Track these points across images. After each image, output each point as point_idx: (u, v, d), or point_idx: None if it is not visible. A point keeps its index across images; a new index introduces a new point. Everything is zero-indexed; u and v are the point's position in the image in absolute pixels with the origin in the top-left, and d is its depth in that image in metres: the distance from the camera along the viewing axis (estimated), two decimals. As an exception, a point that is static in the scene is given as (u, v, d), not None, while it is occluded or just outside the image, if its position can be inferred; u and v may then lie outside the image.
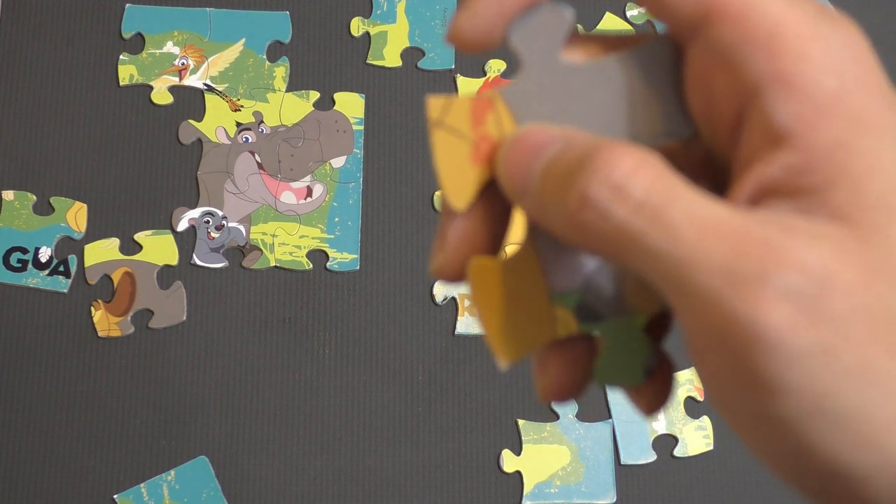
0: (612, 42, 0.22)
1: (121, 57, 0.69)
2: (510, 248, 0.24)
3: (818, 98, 0.18)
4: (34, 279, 0.64)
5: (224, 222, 0.66)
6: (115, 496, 0.61)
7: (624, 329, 0.22)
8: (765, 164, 0.19)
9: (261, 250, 0.65)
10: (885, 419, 0.17)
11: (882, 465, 0.18)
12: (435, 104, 0.23)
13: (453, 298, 0.65)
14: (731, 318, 0.17)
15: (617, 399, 0.64)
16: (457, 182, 0.22)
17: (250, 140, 0.67)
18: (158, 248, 0.65)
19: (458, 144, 0.22)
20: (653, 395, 0.23)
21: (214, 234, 0.65)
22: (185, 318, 0.64)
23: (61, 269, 0.64)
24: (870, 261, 0.17)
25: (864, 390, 0.17)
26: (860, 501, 0.18)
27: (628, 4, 0.72)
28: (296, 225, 0.66)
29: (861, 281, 0.17)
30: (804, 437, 0.18)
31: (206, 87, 0.68)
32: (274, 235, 0.66)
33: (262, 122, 0.68)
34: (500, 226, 0.24)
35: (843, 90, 0.18)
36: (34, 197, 0.66)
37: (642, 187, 0.18)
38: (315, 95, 0.68)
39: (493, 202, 0.23)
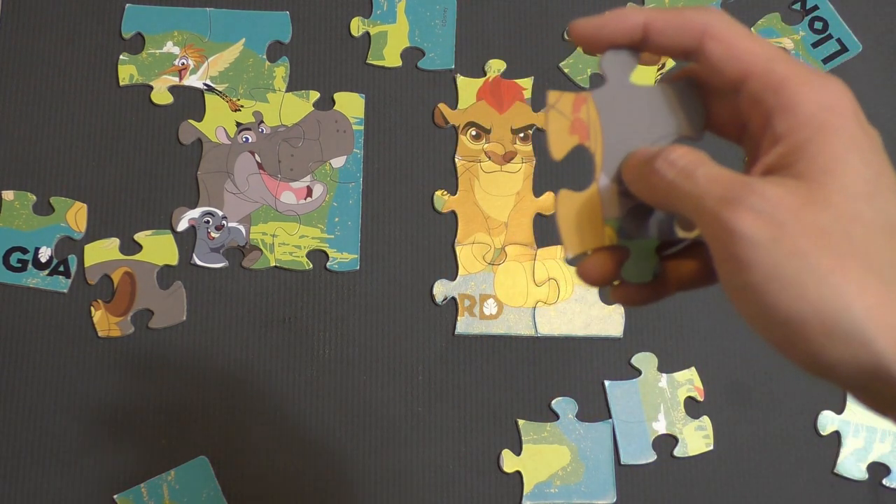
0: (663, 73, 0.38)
1: (121, 57, 0.69)
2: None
3: (802, 117, 0.31)
4: (34, 279, 0.64)
5: (224, 222, 0.66)
6: (115, 496, 0.61)
7: (643, 246, 0.37)
8: (767, 155, 0.32)
9: (261, 250, 0.65)
10: (811, 280, 0.29)
11: (813, 311, 0.29)
12: (552, 95, 0.36)
13: (453, 298, 0.65)
14: (722, 224, 0.30)
15: (617, 399, 0.64)
16: (558, 145, 0.36)
17: (250, 140, 0.67)
18: (158, 248, 0.65)
19: (562, 121, 0.36)
20: (652, 291, 0.37)
21: (214, 234, 0.65)
22: (185, 318, 0.64)
23: (61, 269, 0.64)
24: (808, 196, 0.30)
25: (797, 264, 0.29)
26: (805, 341, 0.30)
27: (628, 5, 0.72)
28: (296, 225, 0.66)
29: (800, 204, 0.30)
30: (766, 297, 0.30)
31: (206, 87, 0.68)
32: (274, 235, 0.66)
33: (262, 122, 0.68)
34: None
35: (820, 112, 0.31)
36: (34, 197, 0.66)
37: (682, 162, 0.32)
38: (315, 95, 0.68)
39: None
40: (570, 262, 0.42)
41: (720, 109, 0.36)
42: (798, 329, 0.30)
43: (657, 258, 0.37)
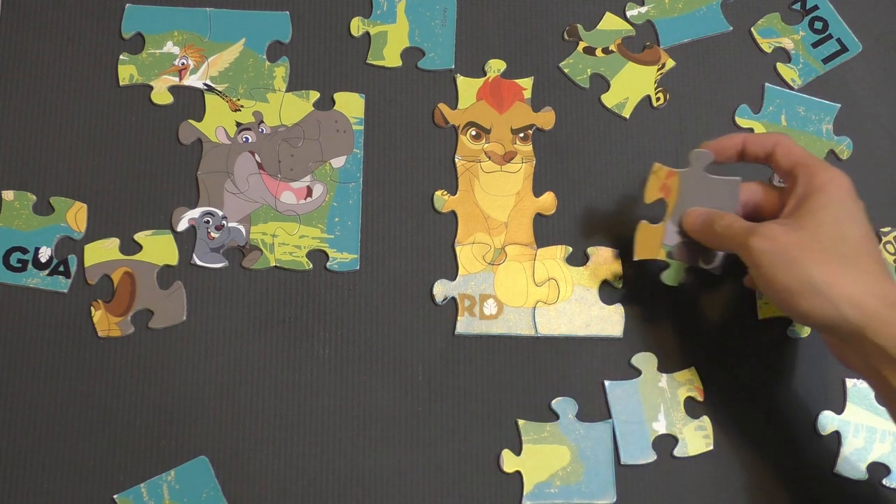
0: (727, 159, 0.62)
1: (121, 57, 0.69)
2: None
3: (813, 185, 0.56)
4: (34, 279, 0.64)
5: (224, 222, 0.66)
6: (115, 496, 0.61)
7: (678, 265, 0.65)
8: (787, 206, 0.57)
9: (261, 250, 0.65)
10: (793, 266, 0.52)
11: (796, 282, 0.52)
12: (656, 165, 0.60)
13: (453, 298, 0.65)
14: (746, 246, 0.55)
15: (617, 399, 0.64)
16: (650, 194, 0.61)
17: (250, 140, 0.67)
18: (158, 248, 0.65)
19: (656, 182, 0.61)
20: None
21: (214, 234, 0.65)
22: (185, 318, 0.64)
23: (61, 269, 0.64)
24: (795, 225, 0.54)
25: (786, 258, 0.53)
26: (792, 300, 0.53)
27: (628, 4, 0.72)
28: (296, 225, 0.66)
29: (789, 230, 0.54)
30: (771, 278, 0.54)
31: (206, 87, 0.68)
32: (274, 235, 0.66)
33: (262, 122, 0.68)
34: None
35: (824, 183, 0.55)
36: (34, 197, 0.66)
37: (724, 224, 0.58)
38: (315, 95, 0.69)
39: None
40: (634, 261, 0.62)
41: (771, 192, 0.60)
42: (788, 293, 0.53)
43: (684, 274, 0.66)
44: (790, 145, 0.58)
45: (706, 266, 0.62)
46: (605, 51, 0.71)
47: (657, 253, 0.62)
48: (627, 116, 0.69)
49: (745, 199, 0.60)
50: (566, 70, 0.70)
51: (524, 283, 0.66)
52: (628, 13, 0.72)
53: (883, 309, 0.51)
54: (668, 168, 0.60)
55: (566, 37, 0.71)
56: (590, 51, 0.71)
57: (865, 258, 0.53)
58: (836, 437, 0.64)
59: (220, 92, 0.68)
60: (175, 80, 0.68)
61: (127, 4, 0.70)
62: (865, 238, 0.54)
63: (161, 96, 0.68)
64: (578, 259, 0.67)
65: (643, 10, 0.72)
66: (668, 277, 0.65)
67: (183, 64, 0.69)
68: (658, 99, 0.70)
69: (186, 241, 0.65)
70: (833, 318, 0.52)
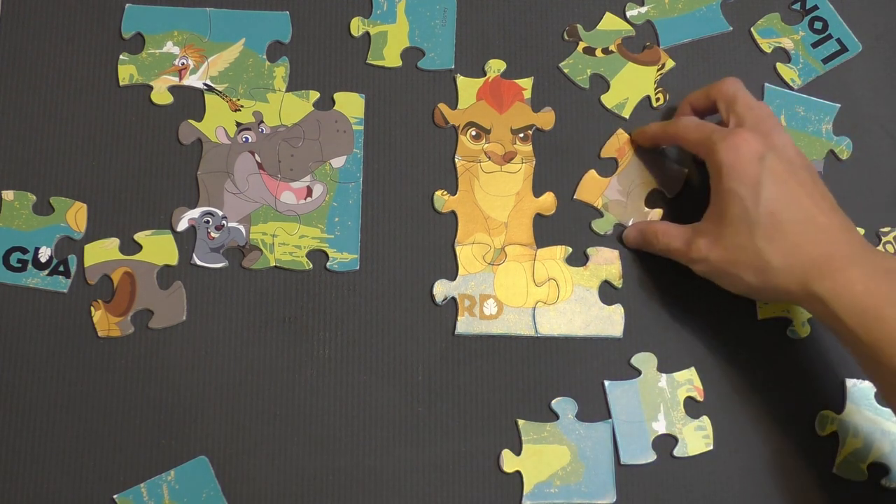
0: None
1: (121, 57, 0.69)
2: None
3: (715, 176, 0.60)
4: (34, 279, 0.64)
5: (224, 222, 0.66)
6: (115, 496, 0.61)
7: (609, 218, 0.68)
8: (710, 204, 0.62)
9: (261, 250, 0.65)
10: (733, 278, 0.59)
11: (742, 288, 0.60)
12: (620, 132, 0.69)
13: (453, 298, 0.65)
14: (686, 256, 0.63)
15: (617, 399, 0.64)
16: (606, 151, 0.69)
17: (250, 140, 0.67)
18: (158, 248, 0.65)
19: (615, 142, 0.69)
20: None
21: (214, 234, 0.65)
22: (185, 318, 0.64)
23: (61, 269, 0.64)
24: (720, 250, 0.59)
25: (725, 275, 0.60)
26: (756, 262, 0.58)
27: (628, 5, 0.72)
28: (296, 225, 0.66)
29: (718, 256, 0.59)
30: (727, 287, 0.61)
31: (206, 87, 0.68)
32: (274, 235, 0.66)
33: (262, 122, 0.68)
34: None
35: (721, 172, 0.59)
36: (34, 197, 0.66)
37: (661, 248, 0.64)
38: (315, 95, 0.69)
39: None
40: (573, 200, 0.68)
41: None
42: (743, 291, 0.60)
43: (613, 227, 0.68)
44: (689, 131, 0.63)
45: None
46: (605, 51, 0.71)
47: (595, 200, 0.67)
48: (627, 117, 0.69)
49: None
50: (566, 70, 0.70)
51: (524, 284, 0.66)
52: (628, 13, 0.72)
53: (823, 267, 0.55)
54: (629, 136, 0.69)
55: (566, 37, 0.71)
56: (590, 51, 0.71)
57: (783, 227, 0.57)
58: (836, 437, 0.64)
59: (220, 92, 0.68)
60: (175, 80, 0.68)
61: (127, 4, 0.70)
62: (774, 206, 0.57)
63: (161, 96, 0.68)
64: (578, 259, 0.67)
65: (643, 10, 0.72)
66: (598, 226, 0.67)
67: (183, 64, 0.69)
68: (658, 99, 0.70)
69: (186, 241, 0.65)
70: (787, 298, 0.58)
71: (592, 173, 0.68)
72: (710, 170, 0.61)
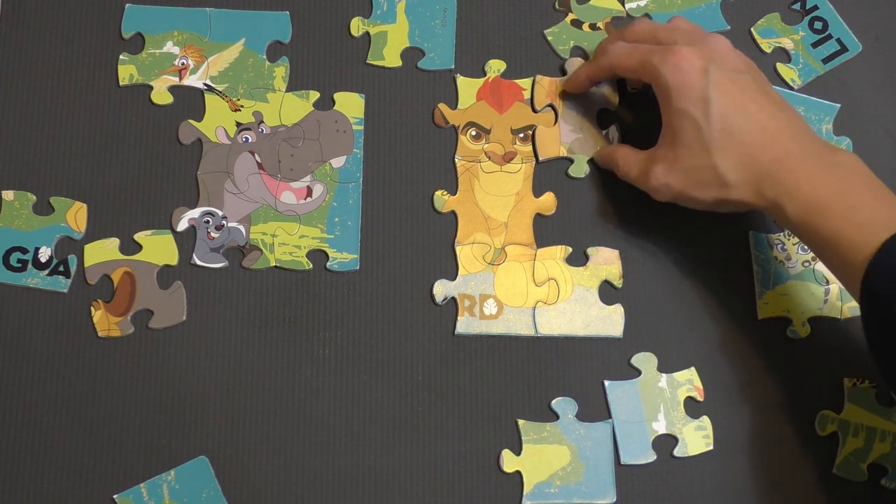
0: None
1: (121, 57, 0.69)
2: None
3: (662, 100, 0.61)
4: (34, 279, 0.64)
5: (224, 222, 0.66)
6: (115, 496, 0.61)
7: (580, 159, 0.69)
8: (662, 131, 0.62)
9: (261, 250, 0.65)
10: (692, 198, 0.61)
11: (706, 202, 0.61)
12: (539, 77, 0.70)
13: (453, 298, 0.65)
14: (645, 179, 0.63)
15: (617, 399, 0.64)
16: (539, 102, 0.69)
17: (250, 140, 0.67)
18: (158, 248, 0.65)
19: (541, 90, 0.70)
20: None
21: (214, 234, 0.65)
22: (185, 318, 0.64)
23: (61, 269, 0.64)
24: (676, 174, 0.60)
25: (684, 197, 0.61)
26: (715, 180, 0.59)
27: None
28: (296, 225, 0.66)
29: (676, 181, 0.60)
30: (682, 192, 0.62)
31: (206, 87, 0.68)
32: (274, 235, 0.66)
33: (262, 122, 0.68)
34: None
35: (667, 94, 0.60)
36: (34, 197, 0.66)
37: (622, 173, 0.65)
38: (315, 95, 0.69)
39: None
40: (539, 162, 0.68)
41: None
42: (706, 206, 0.61)
43: (587, 166, 0.69)
44: (624, 58, 0.63)
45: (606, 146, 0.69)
46: (592, 26, 0.71)
47: (558, 151, 0.68)
48: (606, 95, 0.70)
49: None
50: (549, 38, 0.70)
51: (524, 284, 0.66)
52: (627, 5, 0.72)
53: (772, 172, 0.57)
54: (549, 78, 0.69)
55: (557, 6, 0.71)
56: (577, 23, 0.71)
57: (735, 140, 0.58)
58: (836, 437, 0.64)
59: (220, 92, 0.68)
60: (175, 80, 0.68)
61: (127, 4, 0.70)
62: (724, 122, 0.58)
63: (161, 96, 0.68)
64: (578, 259, 0.67)
65: (642, 2, 0.72)
66: (575, 171, 0.68)
67: (183, 64, 0.69)
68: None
69: (186, 241, 0.65)
70: (747, 208, 0.59)
71: (541, 129, 0.68)
72: (656, 91, 0.61)
